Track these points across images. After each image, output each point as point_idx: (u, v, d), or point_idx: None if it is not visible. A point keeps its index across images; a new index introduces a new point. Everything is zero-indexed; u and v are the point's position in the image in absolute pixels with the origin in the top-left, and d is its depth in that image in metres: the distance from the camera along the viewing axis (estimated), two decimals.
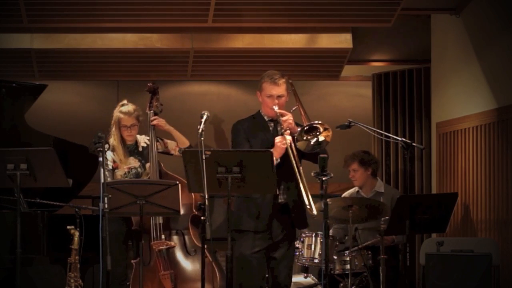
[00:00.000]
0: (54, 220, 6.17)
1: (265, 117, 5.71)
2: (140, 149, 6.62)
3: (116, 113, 6.57)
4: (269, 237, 5.60)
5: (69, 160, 6.34)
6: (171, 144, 6.69)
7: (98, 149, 5.20)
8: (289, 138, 5.46)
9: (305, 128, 5.45)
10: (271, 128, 5.69)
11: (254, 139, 5.64)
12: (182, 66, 8.18)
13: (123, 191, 5.58)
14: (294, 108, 5.69)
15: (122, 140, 6.57)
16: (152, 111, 6.73)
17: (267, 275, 5.73)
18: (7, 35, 7.75)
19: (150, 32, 7.84)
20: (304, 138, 5.46)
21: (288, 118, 5.54)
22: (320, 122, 5.47)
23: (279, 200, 5.60)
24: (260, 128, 5.68)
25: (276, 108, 5.57)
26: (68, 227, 5.86)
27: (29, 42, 7.79)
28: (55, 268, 6.37)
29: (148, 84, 6.87)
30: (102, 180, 5.16)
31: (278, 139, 5.49)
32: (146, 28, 7.78)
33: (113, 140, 6.53)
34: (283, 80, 5.62)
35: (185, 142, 6.66)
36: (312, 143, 5.47)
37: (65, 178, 5.51)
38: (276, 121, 5.65)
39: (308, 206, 5.34)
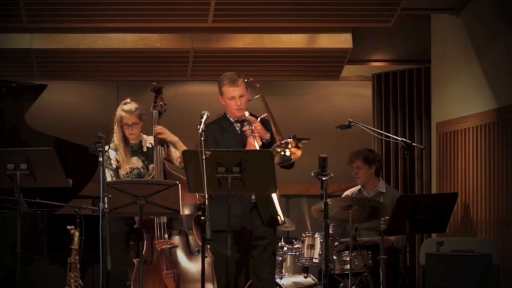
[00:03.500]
0: (54, 220, 6.17)
1: (231, 119, 5.81)
2: (145, 149, 6.58)
3: (118, 111, 6.54)
4: (246, 236, 5.61)
5: (69, 160, 6.32)
6: (175, 153, 6.59)
7: (98, 149, 5.19)
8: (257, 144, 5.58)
9: (278, 143, 5.47)
10: (237, 129, 5.77)
11: (222, 140, 5.70)
12: (182, 66, 8.18)
13: (123, 191, 5.57)
14: (263, 115, 5.71)
15: (125, 139, 6.54)
16: (156, 111, 6.70)
17: (250, 274, 5.73)
18: (7, 35, 7.75)
19: (150, 32, 7.84)
20: (277, 150, 5.47)
21: (257, 125, 5.63)
22: (293, 139, 5.47)
23: (252, 199, 5.62)
24: (227, 129, 5.78)
25: (247, 114, 5.67)
26: (68, 227, 5.86)
27: (29, 42, 7.79)
28: (55, 268, 6.36)
29: (153, 84, 6.84)
30: (102, 180, 5.15)
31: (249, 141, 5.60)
32: (146, 28, 7.78)
33: (115, 138, 6.51)
34: (241, 79, 5.74)
35: None
36: (282, 154, 5.50)
37: (65, 178, 5.50)
38: (242, 121, 5.74)
39: (277, 216, 5.52)
